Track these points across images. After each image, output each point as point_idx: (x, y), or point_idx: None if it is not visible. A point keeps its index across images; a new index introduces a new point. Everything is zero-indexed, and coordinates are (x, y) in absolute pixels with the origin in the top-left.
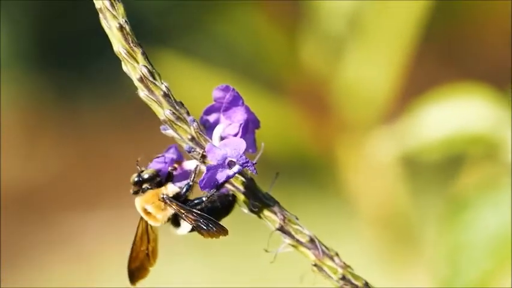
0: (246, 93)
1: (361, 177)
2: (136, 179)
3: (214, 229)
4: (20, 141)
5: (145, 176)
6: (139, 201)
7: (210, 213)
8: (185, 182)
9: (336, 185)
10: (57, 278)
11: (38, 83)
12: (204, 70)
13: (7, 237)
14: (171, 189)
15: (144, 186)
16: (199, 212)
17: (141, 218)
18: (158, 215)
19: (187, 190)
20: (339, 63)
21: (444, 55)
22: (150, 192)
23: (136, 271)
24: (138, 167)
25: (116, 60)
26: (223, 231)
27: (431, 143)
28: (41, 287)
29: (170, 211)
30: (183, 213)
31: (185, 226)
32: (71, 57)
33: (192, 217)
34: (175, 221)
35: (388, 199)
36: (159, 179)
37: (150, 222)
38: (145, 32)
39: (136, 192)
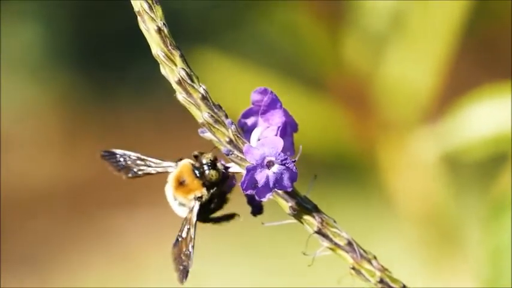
0: (287, 91)
1: (403, 176)
2: (204, 164)
3: (178, 273)
4: (60, 140)
5: (207, 173)
6: (185, 167)
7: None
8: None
9: (377, 184)
10: (97, 275)
11: (77, 83)
12: (244, 69)
13: (48, 234)
14: (205, 198)
15: (201, 171)
16: (192, 251)
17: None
18: (179, 194)
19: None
20: (381, 61)
21: (485, 54)
22: (197, 180)
23: (115, 159)
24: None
25: (155, 60)
26: (182, 278)
27: (472, 142)
28: (80, 285)
29: (186, 208)
30: (187, 230)
31: (183, 212)
32: (110, 56)
33: (189, 243)
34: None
35: (430, 199)
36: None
37: (168, 187)
38: (185, 32)
39: (195, 157)
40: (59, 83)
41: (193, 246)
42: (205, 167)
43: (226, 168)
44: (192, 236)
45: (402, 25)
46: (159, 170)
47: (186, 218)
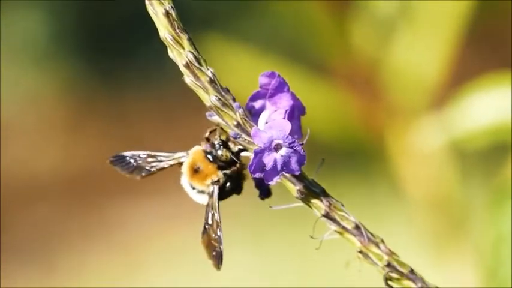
0: (294, 77)
1: (409, 162)
2: (215, 144)
3: (212, 259)
4: (64, 129)
5: (220, 153)
6: (198, 154)
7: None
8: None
9: (384, 170)
10: (99, 264)
11: (81, 71)
12: (252, 55)
13: (50, 223)
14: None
15: (213, 153)
16: (220, 235)
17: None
18: (196, 181)
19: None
20: (388, 47)
21: (491, 42)
22: (211, 165)
23: (125, 163)
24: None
25: (161, 48)
26: (217, 263)
27: (477, 130)
28: (81, 274)
29: (205, 194)
30: (212, 216)
31: (203, 200)
32: (114, 44)
33: (215, 227)
34: (200, 191)
35: (436, 185)
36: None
37: (184, 179)
38: (192, 18)
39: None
40: (62, 71)
41: (221, 230)
42: (217, 148)
43: (241, 150)
44: (218, 221)
45: (410, 11)
46: (171, 162)
47: (208, 204)
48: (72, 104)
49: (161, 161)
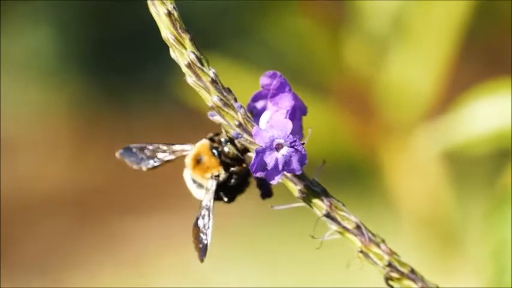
0: None
1: (405, 178)
2: (223, 141)
3: (198, 251)
4: (70, 145)
5: (226, 149)
6: (203, 146)
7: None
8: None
9: (380, 187)
10: (107, 281)
11: (87, 88)
12: (250, 74)
13: (58, 239)
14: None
15: (219, 149)
16: (210, 227)
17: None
18: (197, 173)
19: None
20: (383, 65)
21: (487, 53)
22: (214, 158)
23: (132, 155)
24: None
25: (167, 65)
26: (201, 255)
27: (475, 139)
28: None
29: (203, 188)
30: (205, 210)
31: (201, 195)
32: (121, 61)
33: (207, 220)
34: (199, 184)
35: (433, 199)
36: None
37: (186, 172)
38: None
39: (211, 140)
40: (69, 88)
41: (211, 223)
42: (223, 143)
43: (246, 150)
44: (210, 214)
45: (404, 28)
46: (178, 154)
47: (204, 197)
48: (79, 121)
49: (168, 153)
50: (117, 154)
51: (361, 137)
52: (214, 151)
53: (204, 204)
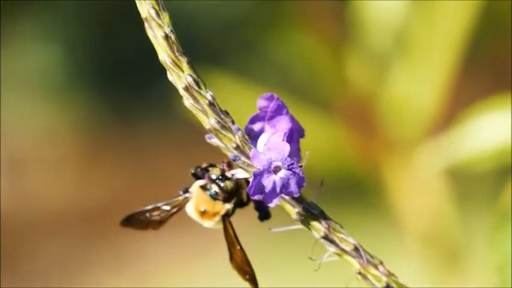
0: (291, 110)
1: (409, 195)
2: (215, 179)
3: (248, 282)
4: (78, 163)
5: (223, 185)
6: (200, 195)
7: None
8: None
9: (384, 204)
10: None
11: (95, 105)
12: (254, 89)
13: (65, 257)
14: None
15: (215, 191)
16: (247, 257)
17: (184, 199)
18: (206, 220)
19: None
20: (386, 80)
21: (491, 68)
22: (217, 203)
23: (137, 221)
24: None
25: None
26: (254, 285)
27: (478, 155)
28: None
29: (219, 224)
30: (234, 242)
31: (213, 226)
32: (129, 79)
33: (239, 252)
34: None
35: (436, 216)
36: (233, 199)
37: (193, 216)
38: (196, 55)
39: (198, 178)
40: (77, 106)
41: (245, 253)
42: (218, 183)
43: (232, 175)
44: (239, 244)
45: (406, 44)
46: (177, 208)
47: (225, 231)
48: (87, 138)
49: (168, 209)
50: (122, 224)
51: (364, 153)
52: (212, 196)
53: (227, 236)
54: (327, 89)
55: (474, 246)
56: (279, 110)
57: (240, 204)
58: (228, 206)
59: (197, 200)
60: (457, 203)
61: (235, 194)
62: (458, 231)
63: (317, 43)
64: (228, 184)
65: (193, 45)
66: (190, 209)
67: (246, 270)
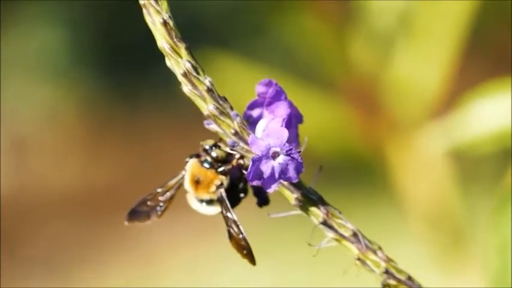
0: (295, 91)
1: (412, 175)
2: (208, 149)
3: (246, 258)
4: (83, 144)
5: (215, 154)
6: (194, 166)
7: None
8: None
9: (386, 183)
10: (122, 278)
11: (100, 87)
12: (259, 71)
13: (69, 238)
14: (226, 182)
15: (208, 160)
16: (244, 234)
17: (182, 176)
18: (202, 193)
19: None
20: (388, 61)
21: (494, 51)
22: (210, 171)
23: (139, 214)
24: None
25: None
26: (252, 260)
27: (481, 137)
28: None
29: (214, 203)
30: (229, 219)
31: (215, 210)
32: (133, 61)
33: (236, 227)
34: (209, 201)
35: (439, 197)
36: (225, 167)
37: (190, 196)
38: (203, 37)
39: (196, 156)
40: (80, 88)
41: (242, 229)
42: (210, 150)
43: (233, 146)
44: (236, 221)
45: (410, 25)
46: (176, 186)
47: (221, 209)
48: (90, 121)
49: (167, 193)
50: (125, 223)
51: (367, 133)
52: (206, 164)
53: (225, 214)
54: (331, 70)
55: (476, 227)
56: (278, 96)
57: (241, 191)
58: (222, 176)
59: (191, 172)
60: (460, 185)
61: (227, 163)
62: (462, 213)
63: (321, 24)
64: (219, 152)
65: (199, 28)
66: (187, 185)
67: (243, 246)
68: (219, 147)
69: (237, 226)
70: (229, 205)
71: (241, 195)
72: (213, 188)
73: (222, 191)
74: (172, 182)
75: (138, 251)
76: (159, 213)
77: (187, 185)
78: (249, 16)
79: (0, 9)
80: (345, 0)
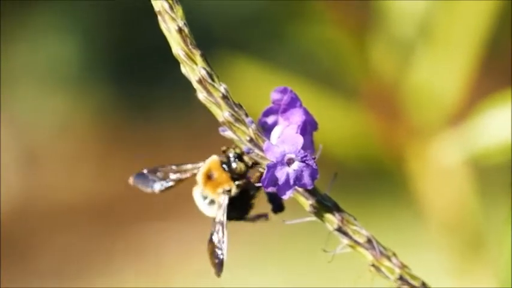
0: (314, 97)
1: (430, 182)
2: (230, 157)
3: (214, 267)
4: (94, 154)
5: (234, 166)
6: (214, 162)
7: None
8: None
9: (405, 190)
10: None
11: (112, 97)
12: (278, 77)
13: (80, 248)
14: (234, 191)
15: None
16: (225, 242)
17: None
18: (208, 189)
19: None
20: (408, 67)
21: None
22: (225, 174)
23: (144, 179)
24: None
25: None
26: (218, 271)
27: (497, 145)
28: None
29: (215, 204)
30: (219, 225)
31: (212, 212)
32: (145, 70)
33: (221, 237)
34: (211, 201)
35: (457, 204)
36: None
37: (196, 189)
38: (222, 43)
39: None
40: (93, 98)
41: (226, 239)
42: (232, 159)
43: (255, 164)
44: (224, 229)
45: (429, 32)
46: (190, 173)
47: (217, 213)
48: (102, 131)
49: (180, 173)
50: (130, 180)
51: (387, 140)
52: (225, 166)
53: (217, 219)
54: (351, 76)
55: (493, 236)
56: (293, 103)
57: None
58: (234, 184)
59: (209, 165)
60: (479, 193)
61: (243, 177)
62: (479, 220)
63: (341, 31)
64: (239, 165)
65: (218, 34)
66: (199, 175)
67: (217, 254)
68: (243, 161)
69: (223, 236)
70: (225, 214)
71: (248, 206)
72: (220, 190)
73: (226, 197)
74: (188, 167)
75: (148, 261)
76: (163, 188)
77: (199, 175)
78: (268, 22)
79: (11, 19)
80: (365, 7)
